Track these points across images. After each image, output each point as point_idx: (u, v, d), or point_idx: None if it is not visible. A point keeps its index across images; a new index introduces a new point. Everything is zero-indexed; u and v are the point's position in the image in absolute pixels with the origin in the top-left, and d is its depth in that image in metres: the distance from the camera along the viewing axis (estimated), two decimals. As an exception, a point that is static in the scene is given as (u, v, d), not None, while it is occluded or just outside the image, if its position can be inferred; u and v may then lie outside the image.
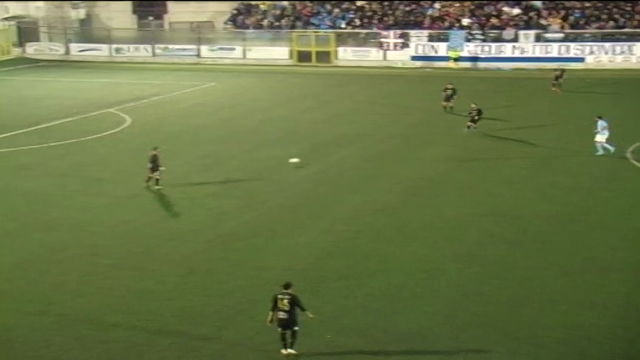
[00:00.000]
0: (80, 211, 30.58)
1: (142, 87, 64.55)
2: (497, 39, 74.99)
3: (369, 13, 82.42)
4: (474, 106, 43.12)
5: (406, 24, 79.28)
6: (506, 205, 30.56)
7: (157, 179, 32.93)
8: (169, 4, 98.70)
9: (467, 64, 73.72)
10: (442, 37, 76.46)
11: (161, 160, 33.09)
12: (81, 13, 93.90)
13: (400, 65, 75.90)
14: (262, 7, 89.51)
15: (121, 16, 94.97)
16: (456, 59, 73.43)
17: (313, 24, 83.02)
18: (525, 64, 72.07)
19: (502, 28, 75.59)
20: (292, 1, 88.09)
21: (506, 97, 56.20)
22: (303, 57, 79.75)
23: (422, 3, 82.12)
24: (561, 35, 73.52)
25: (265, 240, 27.03)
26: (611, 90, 59.05)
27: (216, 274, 24.08)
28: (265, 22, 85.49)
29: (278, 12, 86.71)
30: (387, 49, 77.56)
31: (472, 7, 79.56)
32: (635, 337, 19.66)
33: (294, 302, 18.59)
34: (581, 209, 29.87)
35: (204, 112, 52.54)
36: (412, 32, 77.30)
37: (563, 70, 58.91)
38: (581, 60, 71.16)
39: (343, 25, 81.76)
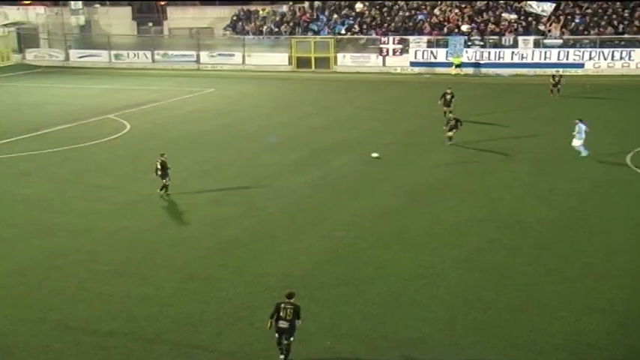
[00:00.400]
0: (79, 217, 30.56)
1: (141, 93, 64.62)
2: (497, 45, 75.08)
3: (368, 19, 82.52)
4: (451, 115, 42.67)
5: (405, 30, 79.37)
6: (506, 210, 30.56)
7: (167, 185, 32.87)
8: (169, 11, 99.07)
9: (469, 70, 73.78)
10: (441, 43, 76.57)
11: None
12: (80, 19, 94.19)
13: (399, 71, 76.01)
14: (262, 13, 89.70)
15: (120, 23, 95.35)
16: (458, 65, 73.47)
17: (312, 30, 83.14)
18: (524, 70, 72.20)
19: (501, 34, 75.70)
20: (291, 7, 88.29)
21: (505, 103, 56.32)
22: (303, 63, 79.86)
23: (422, 9, 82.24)
24: (560, 41, 73.64)
25: (265, 246, 27.01)
26: (610, 95, 59.11)
27: (215, 280, 24.06)
28: (264, 28, 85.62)
29: (277, 18, 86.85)
30: (386, 55, 77.65)
31: (471, 13, 79.69)
32: (635, 342, 19.64)
33: (295, 312, 18.57)
34: (581, 215, 29.87)
35: (203, 118, 52.56)
36: (411, 38, 77.41)
37: (560, 76, 59.02)
38: (580, 66, 71.31)
39: (342, 31, 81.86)
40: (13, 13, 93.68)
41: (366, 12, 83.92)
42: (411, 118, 50.76)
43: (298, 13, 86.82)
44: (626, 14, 74.62)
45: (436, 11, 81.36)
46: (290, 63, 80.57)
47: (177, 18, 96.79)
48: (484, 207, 31.09)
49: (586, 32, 73.98)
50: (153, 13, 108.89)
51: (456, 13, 79.98)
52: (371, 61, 78.26)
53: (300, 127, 48.32)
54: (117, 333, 20.59)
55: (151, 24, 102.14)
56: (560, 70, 63.16)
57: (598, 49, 71.77)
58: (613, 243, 26.63)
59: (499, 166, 37.72)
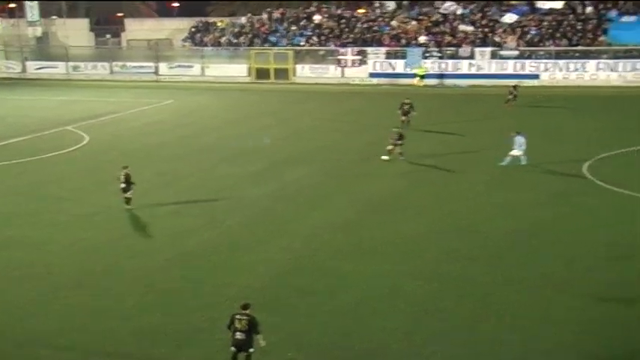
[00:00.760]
0: (36, 230, 30.28)
1: (99, 105, 64.24)
2: (454, 56, 75.69)
3: (326, 31, 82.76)
4: (395, 129, 41.59)
5: (364, 41, 79.74)
6: (464, 221, 30.73)
7: (129, 198, 32.62)
8: (127, 22, 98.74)
9: (434, 81, 74.19)
10: (399, 54, 77.04)
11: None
12: (37, 31, 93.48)
13: (358, 82, 76.31)
14: (220, 24, 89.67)
15: (78, 34, 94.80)
16: (422, 76, 73.82)
17: (271, 41, 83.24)
18: (482, 81, 72.83)
19: (458, 45, 76.30)
20: (250, 19, 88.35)
21: (463, 114, 56.70)
22: (262, 74, 79.90)
23: (380, 21, 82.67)
24: (516, 53, 74.43)
25: (225, 258, 26.96)
26: (565, 106, 59.83)
27: (175, 292, 23.96)
28: (223, 40, 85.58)
29: (236, 30, 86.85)
30: (345, 66, 77.95)
31: (429, 24, 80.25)
32: (593, 350, 19.84)
33: (251, 324, 18.46)
34: (538, 225, 30.08)
35: (162, 130, 52.37)
36: (370, 49, 77.80)
37: (514, 86, 59.63)
38: (536, 77, 72.08)
39: (301, 43, 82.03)
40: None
41: (324, 23, 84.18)
42: (372, 129, 50.85)
43: (257, 25, 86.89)
44: (579, 27, 75.58)
45: (393, 23, 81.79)
46: (249, 74, 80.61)
47: (135, 30, 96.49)
48: (442, 218, 31.25)
49: (541, 44, 74.84)
50: (111, 24, 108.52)
51: (414, 25, 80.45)
52: (330, 73, 78.54)
53: (259, 139, 48.26)
54: (75, 347, 20.41)
55: (108, 35, 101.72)
56: (516, 81, 63.72)
57: (553, 61, 72.68)
58: (570, 253, 26.86)
59: (457, 176, 37.93)
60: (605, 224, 29.96)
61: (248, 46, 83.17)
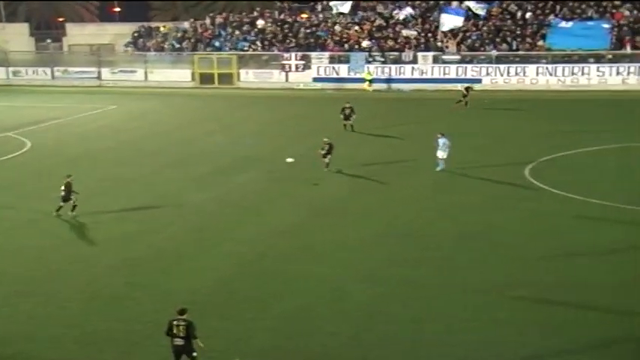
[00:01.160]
0: (-21, 238, 29.93)
1: (41, 110, 63.49)
2: (397, 61, 76.11)
3: (269, 36, 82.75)
4: (326, 140, 40.69)
5: (308, 46, 79.87)
6: (409, 225, 30.97)
7: (75, 206, 32.18)
8: (68, 27, 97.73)
9: (382, 86, 74.46)
10: (343, 59, 77.32)
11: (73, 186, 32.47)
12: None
13: (302, 87, 76.43)
14: (163, 29, 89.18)
15: (17, 39, 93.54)
16: (371, 81, 74.05)
17: (214, 46, 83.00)
18: (425, 85, 73.35)
19: (401, 50, 76.73)
20: (193, 24, 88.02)
21: (405, 118, 56.91)
22: (205, 79, 79.57)
23: (322, 25, 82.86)
24: (458, 57, 75.13)
25: (170, 263, 26.88)
26: (507, 108, 60.55)
27: (120, 298, 23.83)
28: (166, 45, 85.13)
29: (179, 34, 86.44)
30: (289, 71, 78.02)
31: (371, 28, 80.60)
32: (537, 351, 20.14)
33: (189, 329, 18.38)
34: (482, 227, 30.40)
35: (105, 135, 51.96)
36: (313, 54, 77.97)
37: (467, 88, 60.39)
38: (478, 81, 72.75)
39: (245, 47, 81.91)
40: None
41: (268, 28, 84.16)
42: (315, 133, 50.75)
43: (200, 30, 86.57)
44: (519, 32, 76.53)
45: (336, 27, 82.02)
46: (193, 79, 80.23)
47: (77, 34, 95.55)
48: (387, 221, 31.47)
49: (482, 49, 75.65)
50: (51, 29, 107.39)
51: (356, 30, 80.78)
52: (274, 77, 78.49)
53: (203, 143, 48.11)
54: (20, 356, 20.22)
55: (49, 40, 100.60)
56: (468, 84, 64.42)
57: (494, 65, 73.50)
58: (513, 255, 27.20)
59: (400, 180, 38.16)
60: (546, 227, 30.39)
61: (191, 51, 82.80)
